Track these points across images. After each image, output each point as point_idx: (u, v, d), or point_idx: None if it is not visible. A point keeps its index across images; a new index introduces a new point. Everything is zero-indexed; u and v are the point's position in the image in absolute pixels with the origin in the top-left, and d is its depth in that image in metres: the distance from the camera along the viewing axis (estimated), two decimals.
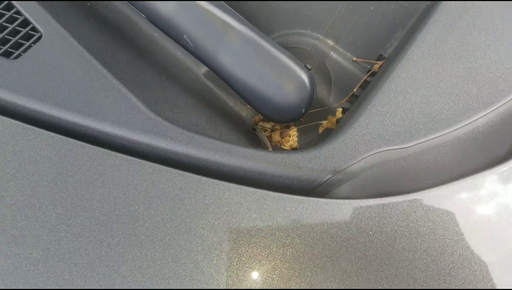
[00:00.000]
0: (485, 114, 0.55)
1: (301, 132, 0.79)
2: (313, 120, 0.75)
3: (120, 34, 0.68)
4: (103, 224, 0.50)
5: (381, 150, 0.54)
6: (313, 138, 0.78)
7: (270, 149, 0.67)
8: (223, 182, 0.52)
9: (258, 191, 0.51)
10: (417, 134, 0.55)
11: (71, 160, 0.52)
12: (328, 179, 0.54)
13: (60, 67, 0.55)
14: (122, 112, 0.53)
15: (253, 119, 0.80)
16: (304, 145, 0.78)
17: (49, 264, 0.49)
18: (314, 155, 0.54)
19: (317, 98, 0.77)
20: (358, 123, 0.55)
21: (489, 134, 0.55)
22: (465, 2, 0.57)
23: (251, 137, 0.76)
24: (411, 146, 0.54)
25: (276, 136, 0.77)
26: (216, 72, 0.64)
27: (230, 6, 0.78)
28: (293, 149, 0.77)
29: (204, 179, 0.52)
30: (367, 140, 0.54)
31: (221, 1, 0.64)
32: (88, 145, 0.53)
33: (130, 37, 0.70)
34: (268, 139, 0.76)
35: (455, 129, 0.55)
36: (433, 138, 0.55)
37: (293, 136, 0.77)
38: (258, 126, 0.77)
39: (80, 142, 0.53)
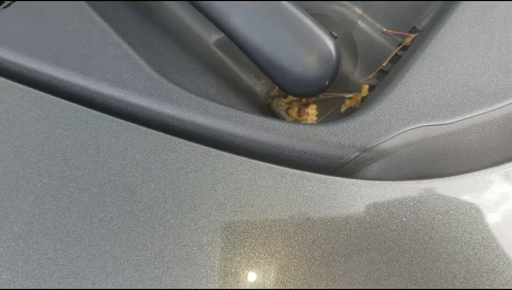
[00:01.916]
0: None
1: (320, 110, 0.73)
2: (334, 100, 0.69)
3: None
4: (95, 197, 0.44)
5: (420, 125, 0.48)
6: (335, 117, 0.72)
7: (287, 117, 0.61)
8: (235, 156, 0.46)
9: (275, 167, 0.46)
10: (461, 109, 0.49)
11: (62, 123, 0.47)
12: (356, 157, 0.48)
13: (53, 18, 0.50)
14: (122, 70, 0.48)
15: (269, 94, 0.74)
16: None
17: (31, 240, 0.43)
18: (342, 129, 0.48)
19: (341, 72, 0.71)
20: (394, 94, 0.49)
21: None
22: None
23: (266, 114, 0.70)
24: (454, 122, 0.49)
25: (293, 113, 0.72)
26: (229, 35, 0.58)
27: None
28: None
29: (213, 151, 0.46)
30: (403, 114, 0.49)
31: None
32: (81, 107, 0.47)
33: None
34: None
35: (504, 106, 0.49)
36: (479, 115, 0.49)
37: (311, 114, 0.71)
38: (274, 101, 0.71)
39: (72, 104, 0.48)
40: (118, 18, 0.53)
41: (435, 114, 0.48)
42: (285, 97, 0.74)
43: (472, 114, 0.48)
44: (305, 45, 0.56)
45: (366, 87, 0.70)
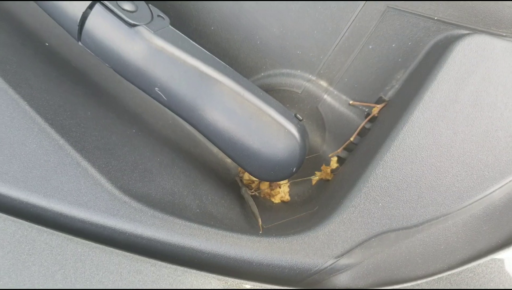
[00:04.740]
0: (503, 186, 0.49)
1: (292, 182, 0.73)
2: (305, 168, 0.69)
3: (83, 81, 0.60)
4: None
5: (383, 232, 0.48)
6: (307, 190, 0.72)
7: (257, 214, 0.60)
8: (202, 273, 0.46)
9: (244, 283, 0.45)
10: (425, 212, 0.49)
11: (27, 248, 0.46)
12: (325, 268, 0.48)
13: (8, 136, 0.48)
14: (82, 191, 0.47)
15: (239, 170, 0.73)
16: (297, 197, 0.71)
17: None
18: (305, 241, 0.48)
19: (309, 147, 0.70)
20: (354, 202, 0.49)
21: (506, 208, 0.49)
22: (480, 53, 0.50)
23: (238, 191, 0.69)
24: (418, 225, 0.49)
25: (264, 188, 0.71)
26: (194, 127, 0.57)
27: (212, 46, 0.71)
28: (284, 202, 0.71)
29: (180, 269, 0.46)
30: (365, 223, 0.49)
31: (198, 47, 0.56)
32: (45, 229, 0.46)
33: (94, 82, 0.62)
34: (256, 191, 0.70)
35: (469, 205, 0.49)
36: (443, 217, 0.49)
37: (283, 187, 0.71)
38: (243, 180, 0.71)
39: (36, 226, 0.46)
40: (76, 123, 0.51)
41: (400, 219, 0.48)
42: None
43: (437, 216, 0.48)
44: (270, 135, 0.55)
45: (334, 159, 0.69)
